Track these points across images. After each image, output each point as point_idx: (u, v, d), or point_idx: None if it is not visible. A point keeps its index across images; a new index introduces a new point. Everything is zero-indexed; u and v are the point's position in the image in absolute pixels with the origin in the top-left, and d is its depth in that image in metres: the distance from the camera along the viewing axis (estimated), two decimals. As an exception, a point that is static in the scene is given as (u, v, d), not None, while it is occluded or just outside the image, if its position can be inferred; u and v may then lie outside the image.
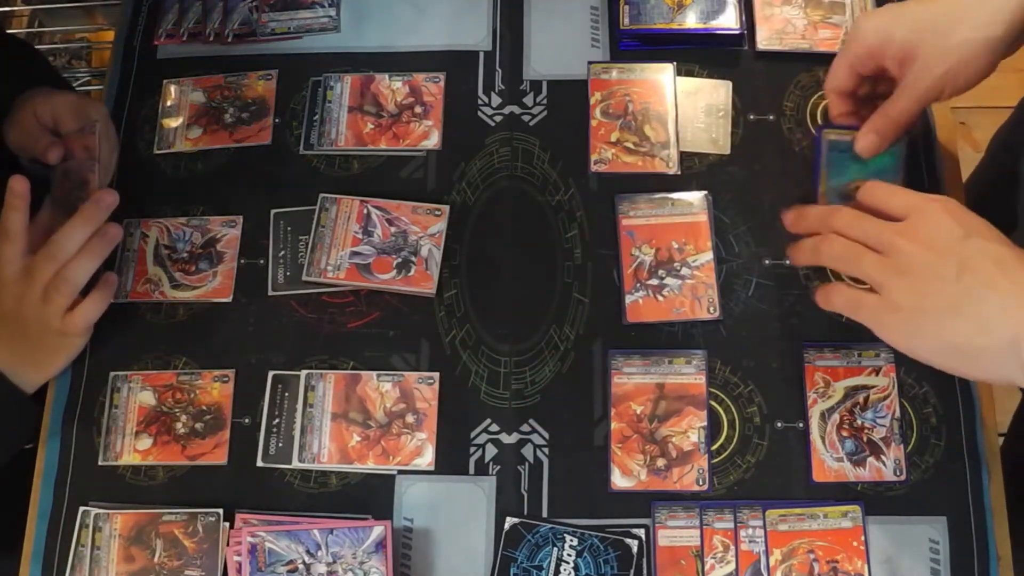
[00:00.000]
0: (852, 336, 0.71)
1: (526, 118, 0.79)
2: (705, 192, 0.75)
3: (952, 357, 0.53)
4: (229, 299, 0.74)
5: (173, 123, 0.81)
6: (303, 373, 0.72)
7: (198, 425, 0.71)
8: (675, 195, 0.75)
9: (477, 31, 0.82)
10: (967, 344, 0.52)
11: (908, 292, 0.53)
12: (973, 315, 0.51)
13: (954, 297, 0.52)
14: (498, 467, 0.69)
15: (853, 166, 0.65)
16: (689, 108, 0.78)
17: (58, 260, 0.65)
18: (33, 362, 0.69)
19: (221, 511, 0.68)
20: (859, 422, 0.69)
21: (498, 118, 0.79)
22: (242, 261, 0.76)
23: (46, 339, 0.68)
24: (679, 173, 0.76)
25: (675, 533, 0.67)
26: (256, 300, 0.74)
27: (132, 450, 0.71)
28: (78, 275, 0.66)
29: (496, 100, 0.79)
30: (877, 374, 0.70)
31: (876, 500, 0.67)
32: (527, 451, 0.70)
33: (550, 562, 0.66)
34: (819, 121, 0.77)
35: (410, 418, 0.70)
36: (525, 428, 0.70)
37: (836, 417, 0.69)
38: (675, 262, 0.73)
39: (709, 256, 0.73)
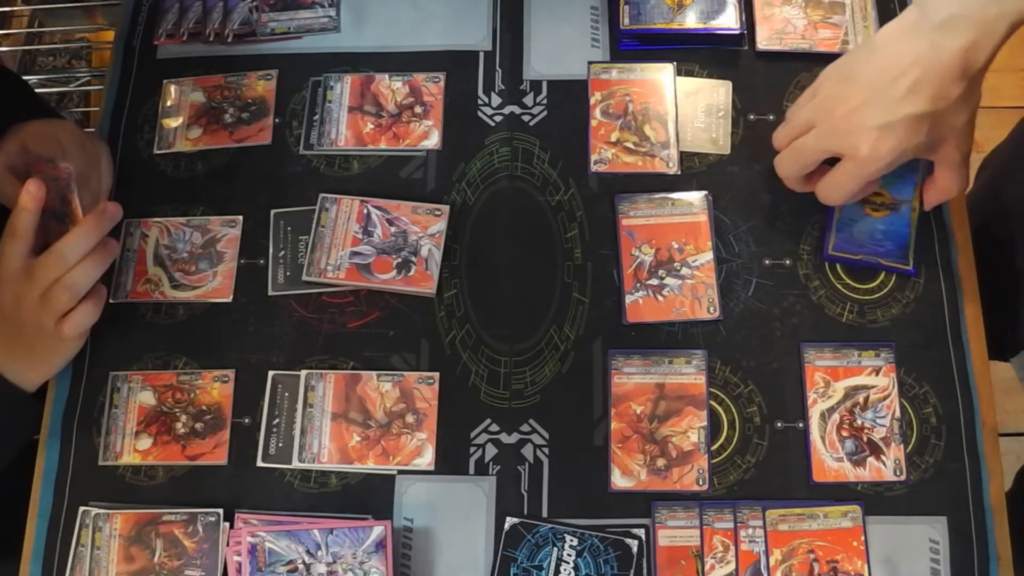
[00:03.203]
0: (852, 336, 0.71)
1: (526, 118, 0.79)
2: (705, 192, 0.75)
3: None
4: (229, 299, 0.74)
5: (173, 123, 0.81)
6: (303, 373, 0.72)
7: (198, 425, 0.71)
8: (675, 195, 0.75)
9: (477, 31, 0.82)
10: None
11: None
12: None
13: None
14: (498, 467, 0.69)
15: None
16: (689, 108, 0.78)
17: (58, 268, 0.65)
18: (31, 362, 0.69)
19: (221, 511, 0.68)
20: (859, 422, 0.69)
21: (498, 118, 0.79)
22: (242, 261, 0.76)
23: (43, 340, 0.68)
24: (679, 173, 0.76)
25: (675, 533, 0.67)
26: (256, 300, 0.74)
27: (132, 450, 0.71)
28: (79, 283, 0.66)
29: (496, 100, 0.79)
30: (877, 374, 0.70)
31: (876, 500, 0.67)
32: (527, 451, 0.70)
33: (550, 562, 0.66)
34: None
35: (410, 418, 0.70)
36: (525, 428, 0.70)
37: (836, 417, 0.69)
38: (675, 262, 0.73)
39: (709, 256, 0.73)
